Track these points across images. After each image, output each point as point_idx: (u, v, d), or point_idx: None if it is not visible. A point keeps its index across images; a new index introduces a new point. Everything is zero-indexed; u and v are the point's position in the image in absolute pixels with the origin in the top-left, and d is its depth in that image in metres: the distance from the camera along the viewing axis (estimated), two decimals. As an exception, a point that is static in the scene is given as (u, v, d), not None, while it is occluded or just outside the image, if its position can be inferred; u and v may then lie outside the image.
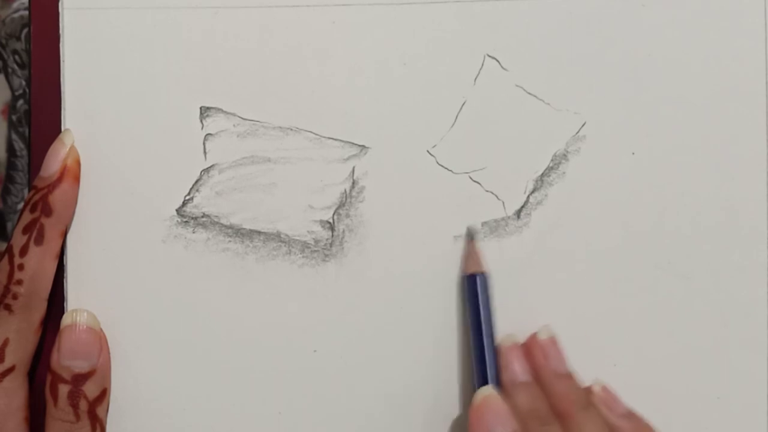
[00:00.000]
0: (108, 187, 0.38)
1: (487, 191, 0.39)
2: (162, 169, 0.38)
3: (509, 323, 0.38)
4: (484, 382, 0.36)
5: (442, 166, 0.39)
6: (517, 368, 0.37)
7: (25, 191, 0.54)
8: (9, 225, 0.61)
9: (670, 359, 0.39)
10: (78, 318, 0.37)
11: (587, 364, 0.38)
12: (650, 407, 0.37)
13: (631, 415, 0.37)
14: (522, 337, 0.38)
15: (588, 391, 0.38)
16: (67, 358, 0.36)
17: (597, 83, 0.39)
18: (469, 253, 0.38)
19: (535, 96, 0.39)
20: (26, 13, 0.39)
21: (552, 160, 0.39)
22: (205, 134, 0.38)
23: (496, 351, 0.37)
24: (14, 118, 0.59)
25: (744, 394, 0.39)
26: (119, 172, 0.38)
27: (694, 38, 0.39)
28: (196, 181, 0.38)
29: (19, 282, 0.36)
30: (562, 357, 0.37)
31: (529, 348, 0.38)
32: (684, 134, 0.39)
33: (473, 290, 0.37)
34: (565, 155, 0.39)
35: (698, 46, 0.39)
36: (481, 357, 0.37)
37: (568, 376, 0.37)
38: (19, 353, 0.36)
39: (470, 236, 0.38)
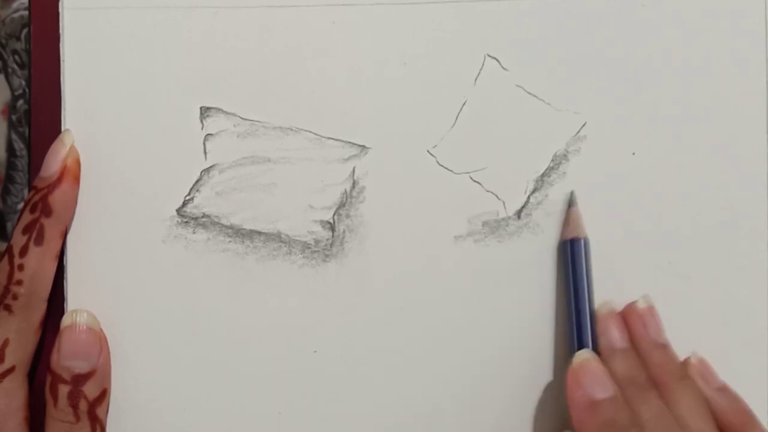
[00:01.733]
0: (108, 187, 0.38)
1: (487, 191, 0.39)
2: (162, 169, 0.38)
3: (511, 323, 0.38)
4: (582, 347, 0.37)
5: (442, 166, 0.39)
6: (615, 335, 0.37)
7: (25, 191, 0.54)
8: (9, 225, 0.61)
9: (671, 359, 0.39)
10: (78, 318, 0.37)
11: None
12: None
13: (725, 389, 0.37)
14: (619, 306, 0.38)
15: (685, 362, 0.38)
16: (67, 358, 0.36)
17: (597, 83, 0.39)
18: (570, 218, 0.38)
19: (535, 96, 0.39)
20: (26, 13, 0.39)
21: (552, 160, 0.39)
22: (205, 134, 0.38)
23: (593, 318, 0.37)
24: (14, 118, 0.59)
25: (744, 394, 0.39)
26: (119, 172, 0.38)
27: (694, 38, 0.39)
28: (197, 181, 0.38)
29: (19, 282, 0.36)
30: (661, 326, 0.38)
31: (628, 316, 0.38)
32: (684, 134, 0.39)
33: (574, 255, 0.38)
34: (565, 155, 0.39)
35: (698, 46, 0.39)
36: (579, 322, 0.37)
37: (666, 346, 0.37)
38: (19, 353, 0.36)
39: (571, 202, 0.38)
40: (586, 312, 0.37)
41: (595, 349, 0.37)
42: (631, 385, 0.35)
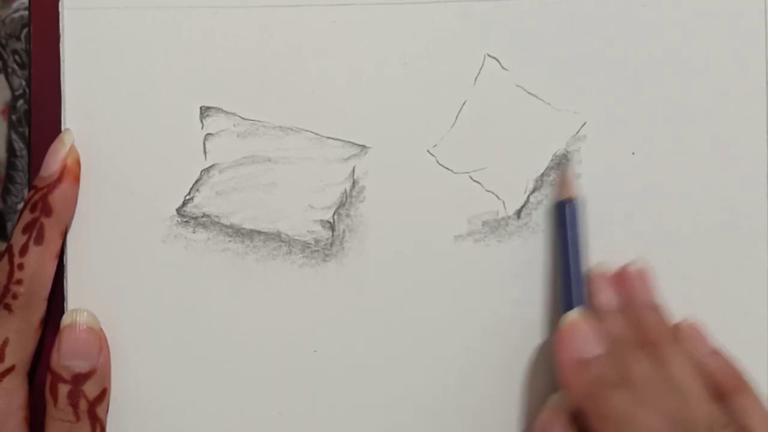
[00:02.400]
0: (108, 186, 0.38)
1: (487, 191, 0.39)
2: (162, 169, 0.38)
3: (511, 323, 0.38)
4: (571, 308, 0.36)
5: (442, 165, 0.39)
6: (607, 295, 0.37)
7: (25, 191, 0.54)
8: (9, 225, 0.61)
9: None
10: (78, 318, 0.37)
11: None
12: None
13: (718, 353, 0.37)
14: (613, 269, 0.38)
15: (677, 325, 0.37)
16: (67, 357, 0.36)
17: (597, 83, 0.39)
18: (563, 179, 0.38)
19: (535, 96, 0.39)
20: (26, 13, 0.39)
21: (552, 160, 0.39)
22: (205, 134, 0.38)
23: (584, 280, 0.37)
24: (14, 118, 0.59)
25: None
26: (119, 172, 0.38)
27: (694, 38, 0.39)
28: (196, 181, 0.38)
29: (19, 282, 0.36)
30: (653, 288, 0.37)
31: (620, 278, 0.38)
32: (684, 134, 0.39)
33: (566, 216, 0.38)
34: (565, 155, 0.39)
35: (698, 46, 0.39)
36: (569, 283, 0.37)
37: (658, 308, 0.37)
38: (19, 353, 0.36)
39: (564, 163, 0.38)
40: (578, 272, 0.37)
41: (588, 310, 0.37)
42: (623, 345, 0.35)
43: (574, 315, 0.36)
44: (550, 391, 0.39)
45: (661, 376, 0.34)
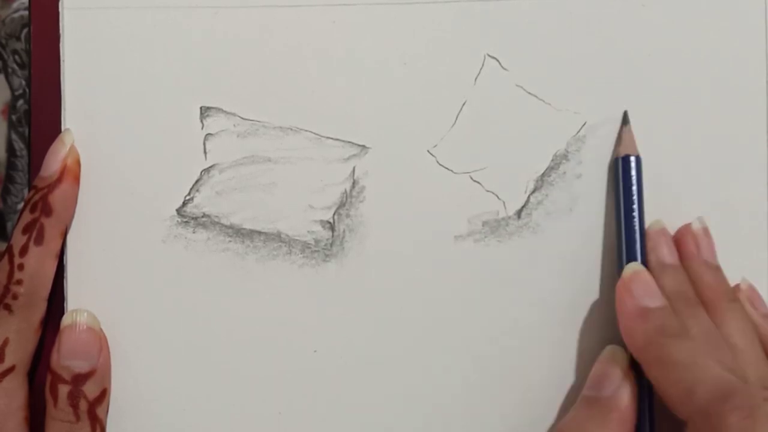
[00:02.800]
0: (108, 187, 0.38)
1: (487, 191, 0.39)
2: (162, 169, 0.38)
3: (512, 323, 0.38)
4: (633, 260, 0.37)
5: (442, 166, 0.39)
6: (665, 251, 0.37)
7: (25, 191, 0.54)
8: (9, 225, 0.61)
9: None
10: (78, 318, 0.37)
11: (587, 364, 0.38)
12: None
13: None
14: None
15: (735, 287, 0.38)
16: (67, 358, 0.36)
17: (597, 83, 0.39)
18: (622, 136, 0.38)
19: (535, 96, 0.39)
20: (26, 13, 0.39)
21: (552, 160, 0.39)
22: (205, 134, 0.38)
23: (643, 235, 0.37)
24: (14, 118, 0.59)
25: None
26: (119, 172, 0.38)
27: (694, 38, 0.39)
28: (197, 181, 0.38)
29: (19, 282, 0.36)
30: (713, 248, 0.38)
31: (681, 236, 0.38)
32: (684, 134, 0.39)
33: (625, 171, 0.38)
34: (565, 155, 0.39)
35: (698, 46, 0.39)
36: (629, 238, 0.37)
37: (717, 268, 0.37)
38: (19, 353, 0.36)
39: (625, 120, 0.39)
40: (635, 228, 0.37)
41: (645, 265, 0.37)
42: (681, 300, 0.35)
43: (634, 267, 0.36)
44: (551, 392, 0.39)
45: (719, 333, 0.35)
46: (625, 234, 0.37)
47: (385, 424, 0.39)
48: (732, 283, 0.38)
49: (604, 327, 0.39)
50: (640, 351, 0.35)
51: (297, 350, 0.38)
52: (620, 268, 0.37)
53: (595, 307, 0.39)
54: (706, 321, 0.35)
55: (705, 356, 0.33)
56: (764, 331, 0.36)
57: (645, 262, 0.37)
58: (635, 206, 0.37)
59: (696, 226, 0.38)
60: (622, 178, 0.38)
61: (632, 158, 0.38)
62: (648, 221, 0.38)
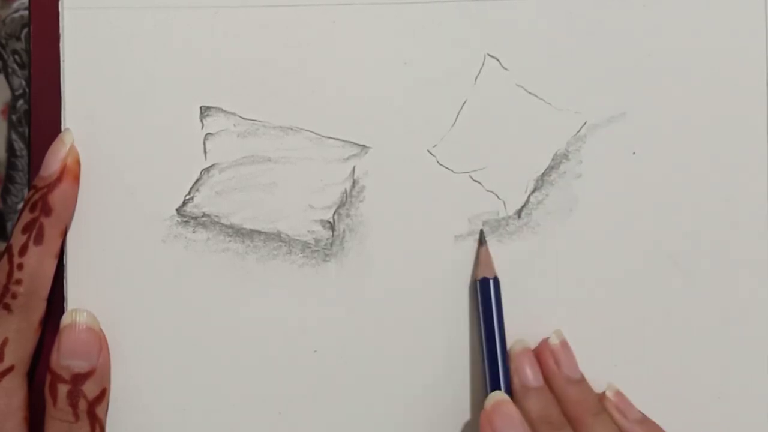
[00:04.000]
0: (108, 186, 0.38)
1: (487, 191, 0.39)
2: (162, 168, 0.38)
3: (512, 323, 0.38)
4: (496, 387, 0.36)
5: (442, 165, 0.39)
6: (528, 373, 0.37)
7: (26, 191, 0.54)
8: (9, 225, 0.61)
9: (672, 359, 0.39)
10: (78, 318, 0.37)
11: (587, 363, 0.38)
12: (651, 408, 0.38)
13: (644, 421, 0.37)
14: (531, 342, 0.38)
15: (601, 396, 0.37)
16: (67, 357, 0.36)
17: (598, 83, 0.39)
18: (481, 257, 0.38)
19: (535, 95, 0.39)
20: (26, 13, 0.39)
21: (553, 160, 0.39)
22: (205, 134, 0.38)
23: (507, 356, 0.37)
24: (14, 118, 0.59)
25: (745, 394, 0.39)
26: (119, 172, 0.38)
27: (694, 38, 0.39)
28: (196, 181, 0.38)
29: (19, 281, 0.36)
30: (574, 362, 0.37)
31: (540, 353, 0.38)
32: (684, 134, 0.39)
33: (485, 295, 0.37)
34: (565, 155, 0.39)
35: (698, 46, 0.39)
36: (493, 362, 0.37)
37: (580, 382, 0.37)
38: (19, 353, 0.36)
39: (482, 241, 0.38)
40: (497, 352, 0.37)
41: (510, 388, 0.37)
42: (545, 424, 0.35)
43: (496, 396, 0.36)
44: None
45: None
46: (487, 359, 0.37)
47: (384, 423, 0.39)
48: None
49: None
50: None
51: (297, 350, 0.38)
52: (485, 393, 0.37)
53: (595, 306, 0.39)
54: None
55: None
56: None
57: (509, 385, 0.37)
58: (495, 329, 0.37)
59: (553, 341, 0.38)
60: (481, 301, 0.37)
61: (491, 281, 0.37)
62: (513, 338, 0.37)
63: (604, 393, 0.38)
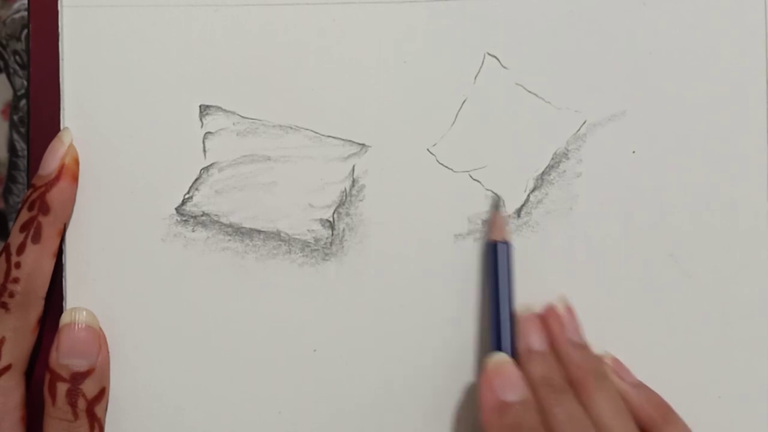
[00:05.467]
0: (107, 185, 0.38)
1: (487, 190, 0.39)
2: (161, 167, 0.38)
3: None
4: (500, 350, 0.37)
5: (442, 164, 0.39)
6: (533, 337, 0.37)
7: (27, 191, 0.54)
8: (11, 224, 0.61)
9: (672, 359, 0.39)
10: (77, 316, 0.37)
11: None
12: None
13: (641, 385, 0.38)
14: (539, 309, 0.38)
15: (602, 361, 0.38)
16: (66, 356, 0.36)
17: (597, 82, 0.39)
18: (494, 221, 0.38)
19: (535, 94, 0.39)
20: (27, 13, 0.39)
21: (552, 159, 0.39)
22: (204, 132, 0.38)
23: (513, 320, 0.37)
24: (16, 118, 0.59)
25: (746, 394, 0.39)
26: (118, 171, 0.38)
27: (694, 36, 0.39)
28: (196, 180, 0.38)
29: (16, 280, 0.36)
30: (578, 327, 0.38)
31: (546, 318, 0.38)
32: (685, 132, 0.39)
33: (495, 258, 0.37)
34: (565, 154, 0.39)
35: (699, 45, 0.39)
36: (498, 324, 0.37)
37: (584, 346, 0.37)
38: (16, 352, 0.36)
39: (495, 206, 0.38)
40: (505, 314, 0.37)
41: (515, 351, 0.37)
42: (547, 387, 0.35)
43: (498, 357, 0.36)
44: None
45: (586, 419, 0.35)
46: (493, 321, 0.37)
47: (384, 423, 0.39)
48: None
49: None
50: None
51: (297, 349, 0.38)
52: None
53: (595, 306, 0.39)
54: (572, 407, 0.35)
55: None
56: (634, 402, 0.37)
57: (515, 349, 0.37)
58: (505, 293, 0.37)
59: (559, 306, 0.38)
60: (491, 265, 0.38)
61: (501, 245, 0.38)
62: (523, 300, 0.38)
63: (602, 357, 0.38)
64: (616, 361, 0.38)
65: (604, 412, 0.35)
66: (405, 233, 0.39)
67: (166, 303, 0.38)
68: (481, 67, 0.39)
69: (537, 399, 0.35)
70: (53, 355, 0.36)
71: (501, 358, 0.36)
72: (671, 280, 0.39)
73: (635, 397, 0.37)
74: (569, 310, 0.38)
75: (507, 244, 0.38)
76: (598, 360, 0.37)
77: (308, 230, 0.39)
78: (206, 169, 0.38)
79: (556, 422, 0.34)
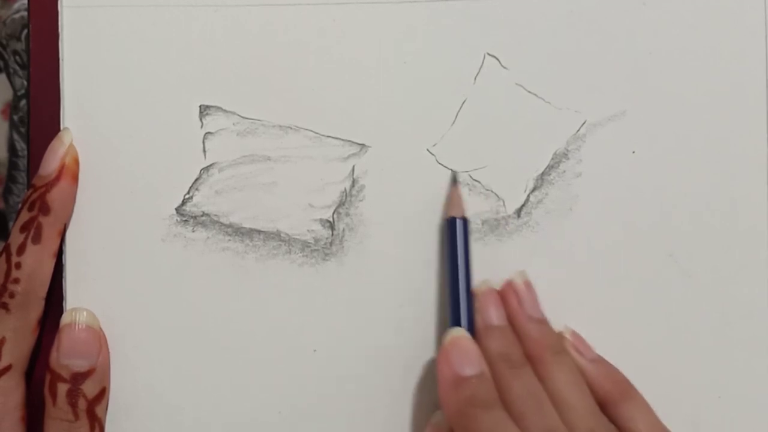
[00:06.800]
0: (107, 185, 0.38)
1: (487, 190, 0.39)
2: (161, 167, 0.38)
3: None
4: (458, 326, 0.36)
5: (442, 164, 0.39)
6: (491, 312, 0.37)
7: (27, 191, 0.54)
8: (11, 224, 0.61)
9: (672, 359, 0.39)
10: (77, 317, 0.37)
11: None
12: (651, 407, 0.37)
13: (601, 360, 0.37)
14: (498, 284, 0.38)
15: (561, 336, 0.38)
16: (67, 356, 0.36)
17: (597, 82, 0.39)
18: (452, 197, 0.38)
19: (535, 94, 0.39)
20: (27, 13, 0.39)
21: (552, 159, 0.39)
22: (204, 133, 0.38)
23: (472, 296, 0.37)
24: (16, 118, 0.59)
25: (746, 394, 0.39)
26: (118, 171, 0.38)
27: (694, 36, 0.39)
28: (196, 180, 0.38)
29: (16, 280, 0.36)
30: (536, 302, 0.37)
31: (504, 293, 0.37)
32: (685, 132, 0.39)
33: (453, 234, 0.37)
34: (565, 154, 0.39)
35: (699, 45, 0.39)
36: (456, 300, 0.37)
37: (542, 321, 0.37)
38: (16, 352, 0.36)
39: (453, 181, 0.38)
40: (463, 290, 0.37)
41: (474, 326, 0.37)
42: (505, 362, 0.35)
43: (455, 332, 0.36)
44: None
45: (543, 393, 0.35)
46: (451, 297, 0.37)
47: (384, 423, 0.39)
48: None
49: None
50: (452, 421, 0.34)
51: (297, 350, 0.38)
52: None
53: (595, 306, 0.39)
54: (529, 382, 0.35)
55: (512, 427, 0.33)
56: (592, 377, 0.37)
57: (474, 325, 0.37)
58: (463, 269, 0.37)
59: (517, 281, 0.38)
60: (449, 241, 0.37)
61: (458, 220, 0.37)
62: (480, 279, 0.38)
63: (561, 333, 0.38)
64: (576, 335, 0.38)
65: (561, 386, 0.35)
66: (405, 233, 0.39)
67: (166, 303, 0.38)
68: (481, 68, 0.39)
69: (494, 374, 0.35)
70: (54, 355, 0.36)
71: (458, 332, 0.36)
72: (671, 280, 0.39)
73: (593, 372, 0.37)
74: (528, 284, 0.38)
75: (465, 219, 0.38)
76: (556, 335, 0.37)
77: (308, 230, 0.39)
78: (206, 169, 0.38)
79: (513, 396, 0.34)
